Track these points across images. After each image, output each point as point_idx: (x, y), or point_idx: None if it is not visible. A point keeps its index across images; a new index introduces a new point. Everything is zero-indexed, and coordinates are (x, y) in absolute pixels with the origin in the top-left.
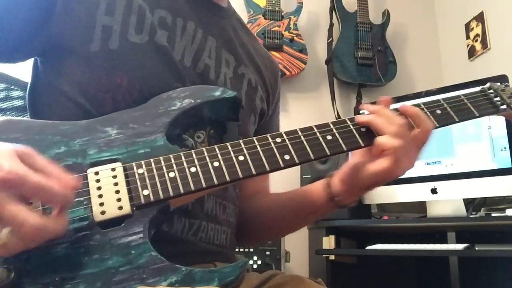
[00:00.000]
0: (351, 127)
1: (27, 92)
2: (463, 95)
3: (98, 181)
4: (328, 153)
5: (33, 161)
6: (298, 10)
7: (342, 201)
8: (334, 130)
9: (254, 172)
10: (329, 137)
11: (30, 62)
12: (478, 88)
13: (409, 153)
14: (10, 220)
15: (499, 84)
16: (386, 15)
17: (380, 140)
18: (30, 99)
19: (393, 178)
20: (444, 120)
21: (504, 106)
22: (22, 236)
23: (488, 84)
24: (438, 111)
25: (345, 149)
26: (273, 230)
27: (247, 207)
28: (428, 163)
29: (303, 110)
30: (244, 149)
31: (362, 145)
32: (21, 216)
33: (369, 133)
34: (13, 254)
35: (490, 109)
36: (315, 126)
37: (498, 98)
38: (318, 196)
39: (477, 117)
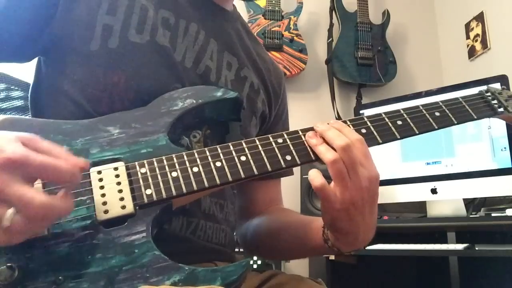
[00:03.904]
0: (351, 128)
1: (29, 91)
2: (461, 97)
3: (100, 180)
4: None
5: (37, 146)
6: (298, 10)
7: (335, 246)
8: None
9: (256, 172)
10: None
11: (32, 62)
12: (476, 91)
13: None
14: (16, 200)
15: (496, 87)
16: (386, 15)
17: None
18: (32, 99)
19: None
20: (443, 122)
21: (501, 109)
22: (29, 216)
23: (485, 87)
24: (437, 113)
25: None
26: (284, 252)
27: (266, 221)
28: (428, 163)
29: (303, 110)
30: (246, 149)
31: None
32: (28, 195)
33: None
34: (19, 240)
35: (488, 111)
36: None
37: (495, 101)
38: (317, 235)
39: (475, 119)
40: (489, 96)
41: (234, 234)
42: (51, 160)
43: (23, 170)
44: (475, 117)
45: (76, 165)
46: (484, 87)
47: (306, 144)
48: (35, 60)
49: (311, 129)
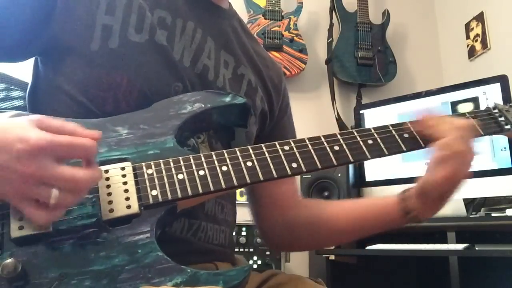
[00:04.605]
0: (358, 138)
1: (27, 92)
2: (468, 113)
3: (107, 179)
4: (335, 163)
5: (49, 125)
6: (298, 10)
7: (417, 216)
8: (342, 141)
9: (261, 178)
10: (336, 148)
11: (30, 62)
12: (483, 107)
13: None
14: (60, 180)
15: (503, 105)
16: (386, 15)
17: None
18: (30, 99)
19: (456, 185)
20: None
21: (508, 126)
22: (74, 190)
23: (493, 104)
24: None
25: (352, 160)
26: (332, 238)
27: (315, 210)
28: (428, 163)
29: (303, 110)
30: (253, 155)
31: (369, 156)
32: (69, 173)
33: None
34: (60, 215)
35: (495, 128)
36: (323, 136)
37: (502, 118)
38: (393, 210)
39: (482, 135)
40: (496, 113)
41: (233, 234)
42: (74, 139)
43: (53, 153)
44: (482, 133)
45: (92, 137)
46: (491, 104)
47: (313, 152)
48: (32, 59)
49: (318, 138)
